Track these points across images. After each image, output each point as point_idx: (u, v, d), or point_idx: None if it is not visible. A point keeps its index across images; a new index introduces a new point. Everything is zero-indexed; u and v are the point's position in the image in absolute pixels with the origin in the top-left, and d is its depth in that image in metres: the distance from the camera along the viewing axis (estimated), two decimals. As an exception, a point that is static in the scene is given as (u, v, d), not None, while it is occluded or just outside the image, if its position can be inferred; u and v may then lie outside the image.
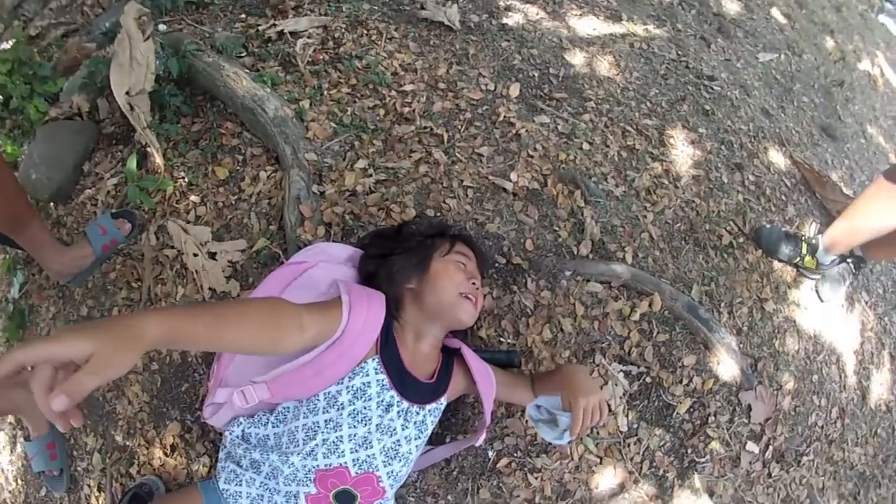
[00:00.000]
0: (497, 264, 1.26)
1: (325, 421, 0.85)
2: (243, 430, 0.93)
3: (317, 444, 0.84)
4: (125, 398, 1.27)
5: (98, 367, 0.47)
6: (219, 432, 1.13)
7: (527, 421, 1.18)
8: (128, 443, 1.25)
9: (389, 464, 0.87)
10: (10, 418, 1.46)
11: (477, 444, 1.05)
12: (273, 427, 0.91)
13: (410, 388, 0.91)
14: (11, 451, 1.44)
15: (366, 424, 0.85)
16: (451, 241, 1.06)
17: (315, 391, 0.86)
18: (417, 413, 0.92)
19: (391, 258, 1.02)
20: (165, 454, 1.20)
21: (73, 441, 1.36)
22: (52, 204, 1.48)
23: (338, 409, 0.85)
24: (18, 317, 1.47)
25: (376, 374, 0.87)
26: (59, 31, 1.98)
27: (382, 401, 0.87)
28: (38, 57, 1.68)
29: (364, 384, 0.86)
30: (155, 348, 0.57)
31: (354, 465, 0.84)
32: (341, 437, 0.84)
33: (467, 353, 1.03)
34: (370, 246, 1.10)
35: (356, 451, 0.84)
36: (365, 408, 0.86)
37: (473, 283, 1.01)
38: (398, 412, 0.89)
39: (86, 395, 0.46)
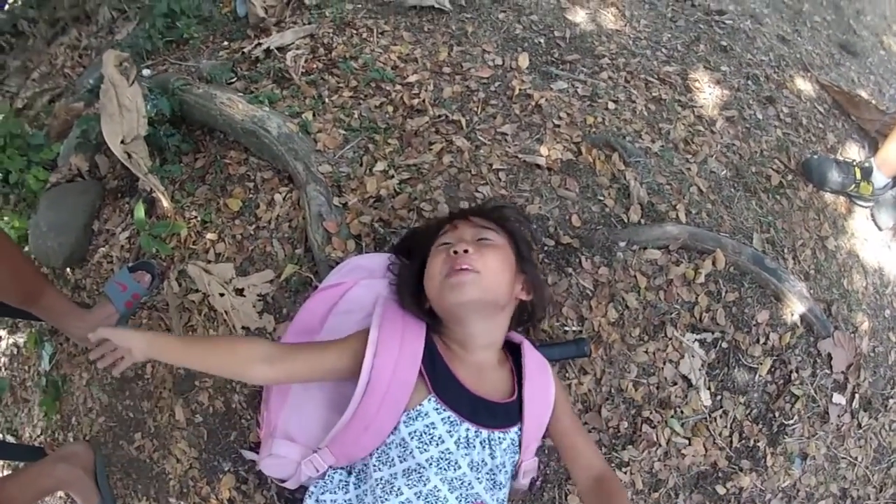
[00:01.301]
0: (546, 247, 1.17)
1: (404, 471, 0.75)
2: (317, 500, 0.83)
3: (408, 499, 0.74)
4: (172, 457, 1.21)
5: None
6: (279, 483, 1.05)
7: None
8: (182, 503, 1.18)
9: (495, 495, 0.79)
10: (61, 493, 1.40)
11: (531, 491, 0.92)
12: (354, 488, 0.82)
13: (484, 413, 0.80)
14: (70, 530, 1.39)
15: (455, 469, 0.76)
16: (439, 228, 0.92)
17: (371, 448, 0.78)
18: (501, 440, 0.81)
19: (402, 273, 0.92)
20: (224, 510, 1.13)
21: (128, 508, 1.31)
22: (67, 269, 1.44)
23: (413, 456, 0.76)
24: (53, 389, 1.43)
25: (438, 413, 0.77)
26: (45, 97, 1.99)
27: (459, 438, 0.77)
28: (28, 127, 1.66)
29: (427, 426, 0.76)
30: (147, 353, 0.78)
31: (460, 501, 0.75)
32: (436, 486, 0.74)
33: (529, 360, 0.86)
34: (393, 269, 0.98)
35: (455, 489, 0.75)
36: (445, 451, 0.76)
37: (456, 253, 0.81)
38: (481, 443, 0.79)
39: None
